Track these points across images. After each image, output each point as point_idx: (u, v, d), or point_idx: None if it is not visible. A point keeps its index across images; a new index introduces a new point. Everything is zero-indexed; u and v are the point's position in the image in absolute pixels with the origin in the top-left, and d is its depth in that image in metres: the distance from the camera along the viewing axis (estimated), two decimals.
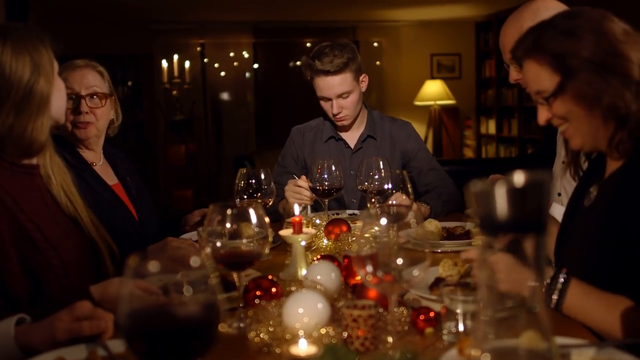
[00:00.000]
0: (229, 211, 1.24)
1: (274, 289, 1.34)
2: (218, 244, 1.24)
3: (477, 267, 1.32)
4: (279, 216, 2.31)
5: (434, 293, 1.37)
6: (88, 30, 7.21)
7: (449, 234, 1.99)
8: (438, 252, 1.84)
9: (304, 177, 2.30)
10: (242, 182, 1.97)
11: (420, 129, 7.12)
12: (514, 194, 0.66)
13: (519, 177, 0.66)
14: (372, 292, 1.26)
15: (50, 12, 6.88)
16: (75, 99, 2.01)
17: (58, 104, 1.47)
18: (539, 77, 1.32)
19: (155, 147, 8.03)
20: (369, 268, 1.02)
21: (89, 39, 7.01)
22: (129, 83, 8.04)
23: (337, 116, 2.55)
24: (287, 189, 2.29)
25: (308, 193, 2.24)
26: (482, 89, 8.18)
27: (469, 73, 8.27)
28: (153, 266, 0.73)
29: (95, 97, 2.05)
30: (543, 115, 1.35)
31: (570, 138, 1.36)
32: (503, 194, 0.66)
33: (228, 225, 1.24)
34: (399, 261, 1.03)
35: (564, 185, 2.03)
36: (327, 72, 2.46)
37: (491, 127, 8.02)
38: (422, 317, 1.20)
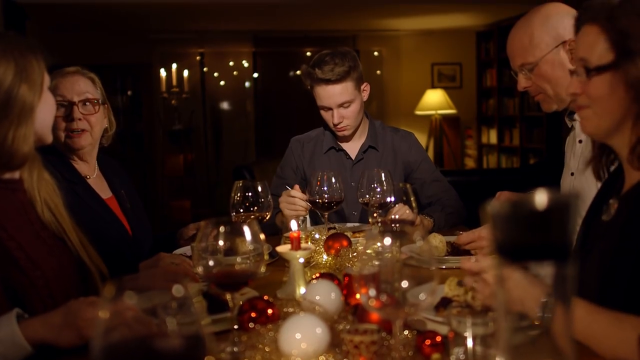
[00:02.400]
0: (222, 228, 1.17)
1: (270, 311, 1.27)
2: (211, 262, 1.16)
3: (480, 285, 1.25)
4: (276, 230, 2.23)
5: (440, 314, 1.29)
6: (87, 40, 7.17)
7: (454, 249, 1.92)
8: (443, 268, 1.77)
9: (297, 186, 2.23)
10: (238, 195, 1.90)
11: (421, 139, 7.05)
12: (536, 217, 0.58)
13: (541, 198, 0.58)
14: (375, 314, 1.18)
15: (49, 22, 6.84)
16: (67, 106, 1.94)
17: (44, 117, 1.40)
18: (593, 44, 1.24)
19: (154, 156, 7.95)
20: (372, 291, 0.94)
21: (87, 48, 6.98)
22: (129, 92, 7.98)
23: (338, 126, 2.48)
24: (281, 200, 2.21)
25: (303, 203, 2.16)
26: (483, 98, 8.13)
27: (470, 82, 8.22)
28: (129, 297, 0.65)
29: (87, 103, 1.98)
30: (574, 86, 1.28)
31: (585, 120, 1.29)
32: (524, 217, 0.59)
33: (221, 242, 1.17)
34: (404, 283, 0.95)
35: None
36: (328, 81, 2.39)
37: (492, 136, 7.96)
38: (428, 341, 1.12)
